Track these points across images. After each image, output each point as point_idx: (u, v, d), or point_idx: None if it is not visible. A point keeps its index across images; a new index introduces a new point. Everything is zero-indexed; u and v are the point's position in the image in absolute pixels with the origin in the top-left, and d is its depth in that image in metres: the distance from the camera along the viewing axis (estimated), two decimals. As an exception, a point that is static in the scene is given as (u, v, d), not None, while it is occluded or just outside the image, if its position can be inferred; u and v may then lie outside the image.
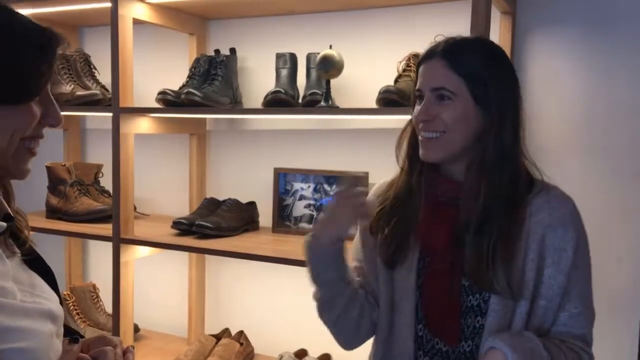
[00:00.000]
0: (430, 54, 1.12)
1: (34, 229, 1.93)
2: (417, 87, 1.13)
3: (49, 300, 0.88)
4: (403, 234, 1.13)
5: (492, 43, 1.15)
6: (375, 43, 1.90)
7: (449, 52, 1.09)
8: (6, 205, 0.88)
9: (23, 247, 0.92)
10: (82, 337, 0.95)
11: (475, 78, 1.06)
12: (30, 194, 1.85)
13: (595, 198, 1.68)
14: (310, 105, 1.71)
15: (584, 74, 1.69)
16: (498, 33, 1.72)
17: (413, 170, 1.16)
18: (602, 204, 1.67)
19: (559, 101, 1.72)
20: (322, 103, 1.64)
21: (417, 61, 1.19)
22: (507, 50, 1.71)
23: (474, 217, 1.06)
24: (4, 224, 0.83)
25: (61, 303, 0.93)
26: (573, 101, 1.70)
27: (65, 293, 2.24)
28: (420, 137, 1.12)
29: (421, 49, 1.69)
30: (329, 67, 1.60)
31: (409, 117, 1.86)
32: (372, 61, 1.90)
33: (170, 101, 1.85)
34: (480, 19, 1.40)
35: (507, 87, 1.09)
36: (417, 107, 1.12)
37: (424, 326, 1.13)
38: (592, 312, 1.11)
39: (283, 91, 1.71)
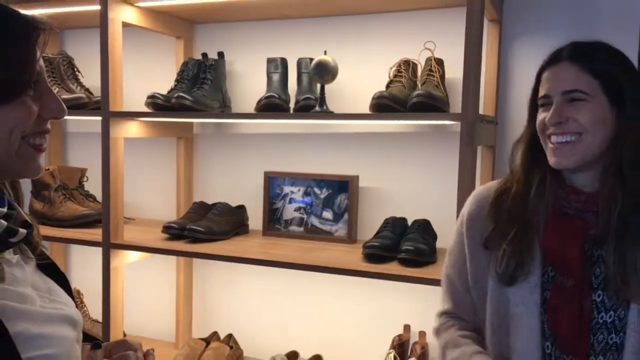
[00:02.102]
0: (556, 58, 1.09)
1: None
2: (542, 93, 1.09)
3: (67, 305, 0.88)
4: (524, 249, 1.09)
5: (612, 46, 1.10)
6: (366, 48, 1.93)
7: (578, 54, 1.07)
8: (23, 213, 0.87)
9: (35, 253, 0.91)
10: (102, 342, 0.95)
11: (609, 78, 1.04)
12: (17, 200, 1.82)
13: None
14: (305, 110, 1.73)
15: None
16: (485, 40, 1.77)
17: (532, 181, 1.11)
18: None
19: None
20: (317, 108, 1.66)
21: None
22: (494, 57, 1.76)
23: (611, 229, 1.02)
24: (24, 231, 0.82)
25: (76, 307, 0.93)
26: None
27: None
28: (550, 144, 1.07)
29: (412, 55, 1.76)
30: (324, 72, 1.63)
31: (402, 122, 1.91)
32: (364, 66, 1.93)
33: (160, 105, 1.84)
34: (475, 26, 1.44)
35: (637, 88, 1.06)
36: (543, 114, 1.08)
37: (551, 343, 1.09)
38: None
39: (277, 96, 1.72)
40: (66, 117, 2.25)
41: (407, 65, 1.73)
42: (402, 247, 1.61)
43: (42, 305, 0.82)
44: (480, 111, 1.79)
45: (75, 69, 2.19)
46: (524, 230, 1.10)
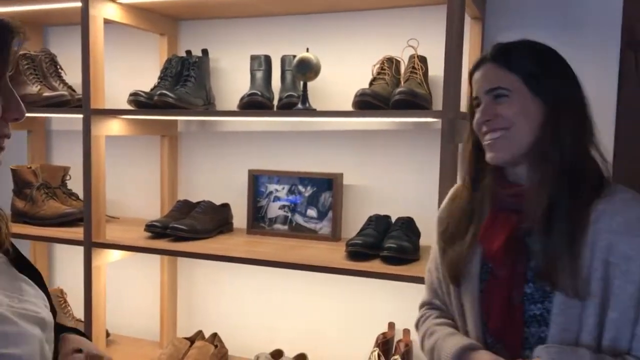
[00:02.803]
0: (480, 61, 1.14)
1: None
2: (473, 95, 1.15)
3: (37, 305, 0.87)
4: (468, 246, 1.14)
5: (539, 42, 1.14)
6: (350, 46, 1.92)
7: (498, 54, 1.11)
8: None
9: (1, 250, 0.90)
10: (83, 333, 0.95)
11: (528, 72, 1.08)
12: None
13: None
14: (287, 107, 1.72)
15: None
16: (468, 38, 1.77)
17: (477, 181, 1.16)
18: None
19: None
20: (300, 106, 1.65)
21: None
22: (477, 54, 1.76)
23: (539, 218, 1.04)
24: None
25: (51, 303, 0.92)
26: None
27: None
28: (485, 143, 1.12)
29: (396, 52, 1.75)
30: (306, 70, 1.62)
31: (385, 119, 1.91)
32: (347, 64, 1.92)
33: (142, 102, 1.83)
34: (455, 24, 1.43)
35: (560, 81, 1.09)
36: (477, 114, 1.13)
37: (490, 335, 1.12)
38: None
39: (259, 93, 1.71)
40: (49, 115, 2.26)
41: (391, 63, 1.73)
42: (385, 245, 1.60)
43: (10, 305, 0.81)
44: (463, 109, 1.79)
45: (58, 67, 2.17)
46: (468, 227, 1.15)
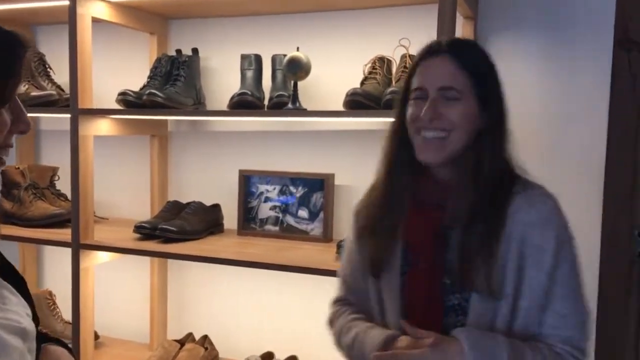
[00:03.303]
0: (434, 50, 1.09)
1: (-13, 235, 1.86)
2: (417, 85, 1.10)
3: (19, 314, 0.85)
4: (388, 242, 1.13)
5: (482, 45, 1.16)
6: (341, 45, 1.91)
7: (458, 50, 1.08)
8: None
9: None
10: (66, 344, 0.93)
11: (481, 77, 1.07)
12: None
13: (554, 198, 1.73)
14: (278, 107, 1.70)
15: (544, 76, 1.74)
16: (460, 37, 1.76)
17: (400, 174, 1.14)
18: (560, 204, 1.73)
19: (520, 103, 1.76)
20: (290, 105, 1.64)
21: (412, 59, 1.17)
22: (470, 54, 1.75)
23: (462, 217, 1.06)
24: None
25: (34, 310, 0.90)
26: (533, 103, 1.75)
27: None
28: (419, 138, 1.09)
29: (387, 52, 1.74)
30: (296, 69, 1.60)
31: (376, 119, 1.89)
32: (338, 63, 1.90)
33: (131, 102, 1.81)
34: (447, 23, 1.42)
35: (497, 89, 1.10)
36: (417, 107, 1.09)
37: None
38: (583, 314, 1.06)
39: (249, 93, 1.69)
40: (37, 115, 2.23)
41: (382, 62, 1.71)
42: (376, 246, 1.59)
43: None
44: (456, 109, 1.78)
45: (47, 66, 2.14)
46: (390, 224, 1.13)
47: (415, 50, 1.70)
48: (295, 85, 1.65)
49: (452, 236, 1.08)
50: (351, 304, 1.24)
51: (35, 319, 0.92)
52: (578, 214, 1.71)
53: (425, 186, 1.13)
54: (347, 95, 1.56)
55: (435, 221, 1.09)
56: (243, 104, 1.68)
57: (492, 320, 1.05)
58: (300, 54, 1.61)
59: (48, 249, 2.42)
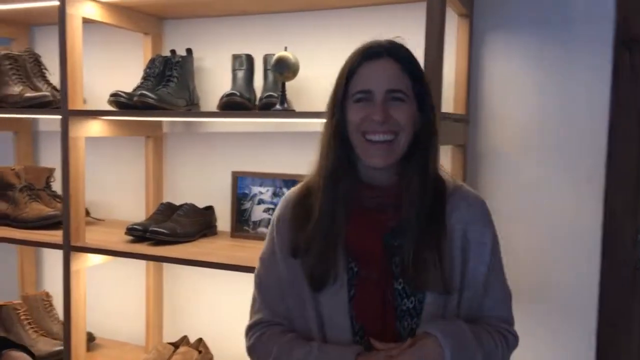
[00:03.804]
0: (376, 52, 1.08)
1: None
2: (361, 87, 1.07)
3: None
4: (330, 251, 1.08)
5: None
6: (331, 45, 1.87)
7: (399, 54, 1.09)
8: None
9: None
10: (28, 350, 0.91)
11: (419, 80, 1.09)
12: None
13: (550, 199, 1.69)
14: (266, 108, 1.67)
15: (540, 75, 1.68)
16: (456, 35, 1.71)
17: (342, 180, 1.09)
18: (556, 204, 1.68)
19: (516, 102, 1.72)
20: (278, 106, 1.60)
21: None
22: (465, 52, 1.70)
23: (412, 220, 1.06)
24: None
25: None
26: (529, 102, 1.70)
27: (16, 302, 2.15)
28: (366, 142, 1.07)
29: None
30: (283, 69, 1.57)
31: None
32: (328, 63, 1.86)
33: (123, 103, 1.78)
34: (435, 22, 1.38)
35: (427, 91, 1.11)
36: (362, 110, 1.07)
37: (361, 337, 1.09)
38: (510, 296, 1.18)
39: (238, 94, 1.66)
40: (28, 116, 2.22)
41: (373, 62, 1.67)
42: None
43: None
44: (451, 109, 1.73)
45: (42, 67, 2.13)
46: (330, 232, 1.09)
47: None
48: (283, 85, 1.61)
49: (397, 240, 1.08)
50: (278, 324, 1.17)
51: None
52: (578, 216, 1.67)
53: (365, 191, 1.11)
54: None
55: (380, 227, 1.09)
56: (231, 105, 1.65)
57: (443, 314, 1.09)
58: (288, 54, 1.57)
59: (46, 251, 2.42)
